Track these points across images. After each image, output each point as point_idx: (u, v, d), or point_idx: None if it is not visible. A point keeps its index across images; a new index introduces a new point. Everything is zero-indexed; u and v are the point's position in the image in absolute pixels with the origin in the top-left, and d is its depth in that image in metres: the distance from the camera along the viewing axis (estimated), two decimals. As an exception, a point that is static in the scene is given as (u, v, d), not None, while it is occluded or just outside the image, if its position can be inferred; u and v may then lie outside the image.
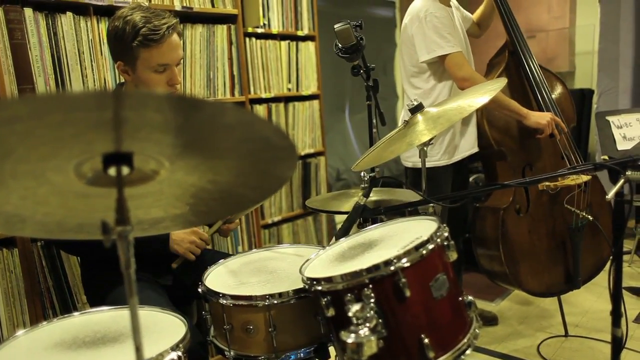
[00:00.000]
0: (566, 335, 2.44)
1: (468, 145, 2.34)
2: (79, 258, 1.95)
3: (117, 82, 2.11)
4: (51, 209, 0.80)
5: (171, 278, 1.67)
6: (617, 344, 1.47)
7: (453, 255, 1.17)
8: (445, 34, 2.14)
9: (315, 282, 1.15)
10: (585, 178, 2.23)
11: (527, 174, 2.34)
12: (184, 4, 2.38)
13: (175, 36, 1.50)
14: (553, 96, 2.35)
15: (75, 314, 1.27)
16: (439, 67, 2.22)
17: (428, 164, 1.67)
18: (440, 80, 2.25)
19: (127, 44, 1.45)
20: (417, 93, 2.28)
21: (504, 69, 2.37)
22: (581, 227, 2.26)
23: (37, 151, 0.66)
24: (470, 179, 3.32)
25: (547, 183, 2.21)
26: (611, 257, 1.45)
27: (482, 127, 2.34)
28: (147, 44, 1.44)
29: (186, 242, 1.60)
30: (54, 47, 1.96)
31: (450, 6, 2.30)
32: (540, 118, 2.22)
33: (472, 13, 2.55)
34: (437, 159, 2.29)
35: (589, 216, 2.23)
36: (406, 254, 1.08)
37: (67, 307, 1.99)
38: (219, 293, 1.31)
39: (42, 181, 0.72)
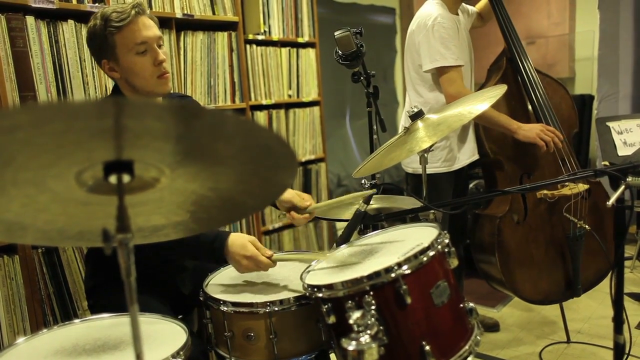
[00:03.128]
0: (568, 341, 2.43)
1: (467, 155, 2.34)
2: (84, 264, 1.94)
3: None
4: (52, 217, 0.80)
5: (172, 287, 1.67)
6: (620, 351, 1.46)
7: (454, 262, 1.17)
8: (451, 45, 2.13)
9: (316, 289, 1.14)
10: (582, 187, 2.22)
11: (525, 183, 2.32)
12: (185, 11, 2.39)
13: (145, 17, 1.51)
14: (554, 102, 2.34)
15: (76, 321, 1.27)
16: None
17: (429, 170, 1.67)
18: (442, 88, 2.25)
19: (102, 36, 1.47)
20: (420, 101, 2.28)
21: (502, 76, 2.37)
22: (579, 236, 2.25)
23: (38, 159, 0.66)
24: (471, 185, 3.32)
25: (545, 191, 2.21)
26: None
27: (479, 136, 2.34)
28: (118, 27, 1.46)
29: (243, 267, 1.45)
30: (56, 54, 1.97)
31: (457, 14, 2.29)
32: (529, 131, 2.16)
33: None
34: (437, 165, 2.28)
35: (586, 226, 2.22)
36: (407, 260, 1.08)
37: (67, 314, 1.99)
38: (220, 300, 1.31)
39: (43, 189, 0.72)
